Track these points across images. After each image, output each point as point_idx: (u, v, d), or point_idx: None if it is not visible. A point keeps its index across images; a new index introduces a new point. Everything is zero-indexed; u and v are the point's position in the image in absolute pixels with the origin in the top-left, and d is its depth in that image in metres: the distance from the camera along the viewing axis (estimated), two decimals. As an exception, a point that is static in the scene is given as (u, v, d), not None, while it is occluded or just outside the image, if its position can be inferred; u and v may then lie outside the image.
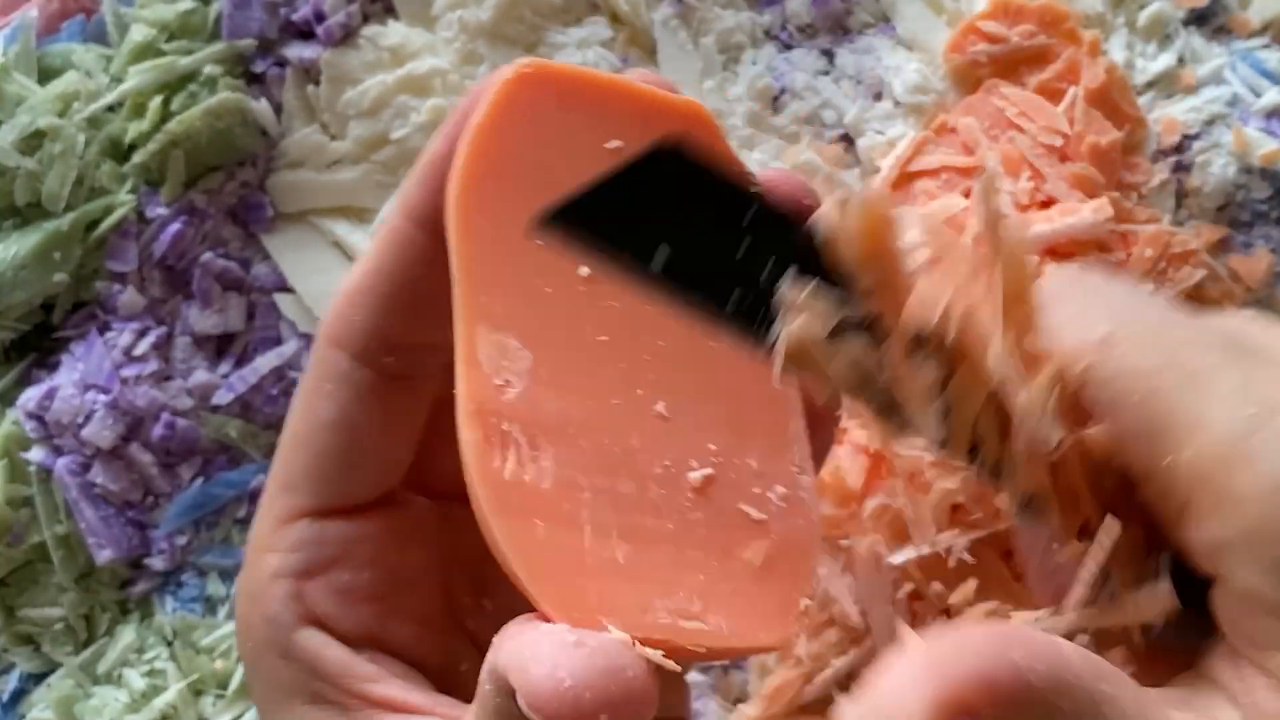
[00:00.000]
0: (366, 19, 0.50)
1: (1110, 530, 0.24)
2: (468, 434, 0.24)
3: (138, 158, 0.47)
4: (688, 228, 0.24)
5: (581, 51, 0.48)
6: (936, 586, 0.40)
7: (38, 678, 0.48)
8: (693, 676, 0.44)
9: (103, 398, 0.46)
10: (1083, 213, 0.42)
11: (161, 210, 0.48)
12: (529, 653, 0.22)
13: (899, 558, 0.39)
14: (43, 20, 0.50)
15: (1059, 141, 0.43)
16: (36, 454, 0.47)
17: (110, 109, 0.48)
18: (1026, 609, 0.40)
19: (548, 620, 0.23)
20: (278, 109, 0.50)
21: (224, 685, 0.46)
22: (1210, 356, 0.23)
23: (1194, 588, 0.24)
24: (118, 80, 0.48)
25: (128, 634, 0.47)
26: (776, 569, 0.27)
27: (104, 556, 0.47)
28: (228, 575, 0.48)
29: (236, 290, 0.49)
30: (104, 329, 0.47)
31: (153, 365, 0.47)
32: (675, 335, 0.27)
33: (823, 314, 0.24)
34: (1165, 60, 0.47)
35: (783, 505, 0.27)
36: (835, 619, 0.42)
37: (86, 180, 0.47)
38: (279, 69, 0.50)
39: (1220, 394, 0.22)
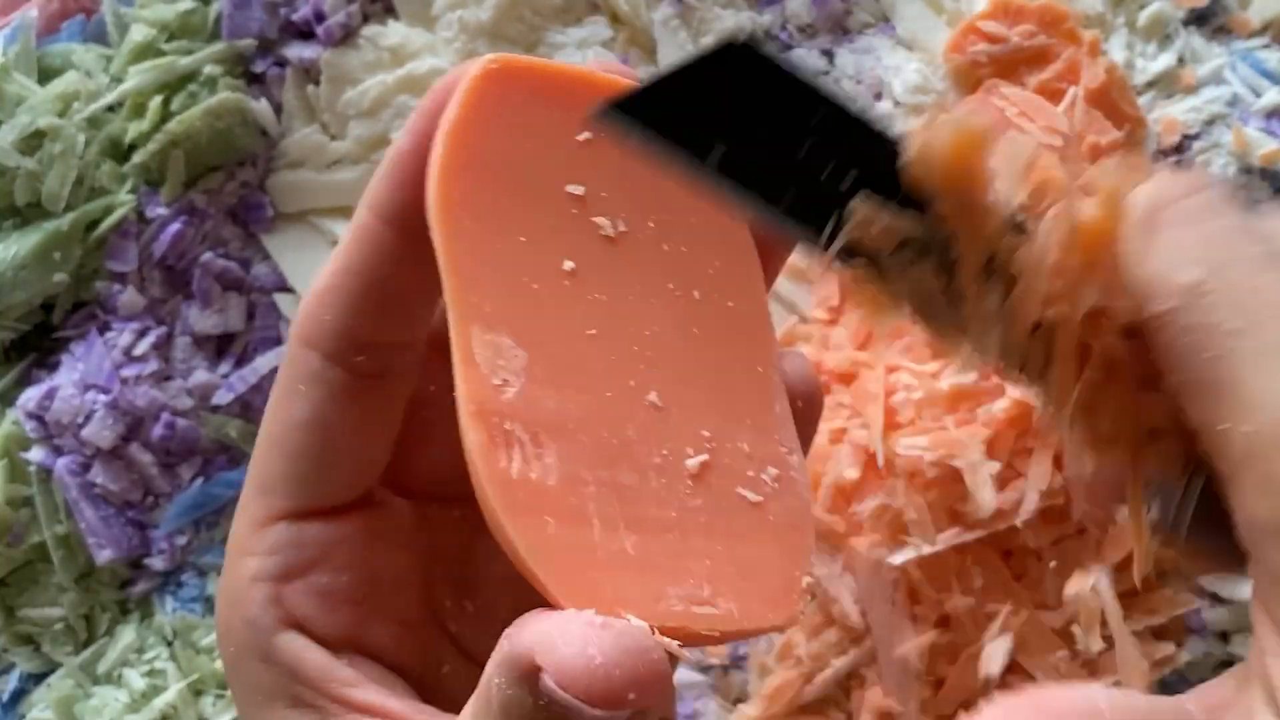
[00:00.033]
0: (366, 19, 0.50)
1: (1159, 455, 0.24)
2: (472, 435, 0.24)
3: (138, 158, 0.47)
4: (750, 123, 0.24)
5: (581, 51, 0.48)
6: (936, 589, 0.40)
7: (38, 678, 0.48)
8: (693, 677, 0.44)
9: (103, 398, 0.46)
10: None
11: (161, 210, 0.48)
12: (557, 634, 0.22)
13: (899, 558, 0.40)
14: (43, 20, 0.50)
15: (1059, 141, 0.43)
16: (36, 454, 0.47)
17: (110, 109, 0.48)
18: (1026, 609, 0.40)
19: None
20: (278, 109, 0.50)
21: (224, 685, 0.46)
22: None
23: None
24: (118, 80, 0.48)
25: (128, 634, 0.47)
26: (776, 549, 0.27)
27: (104, 556, 0.47)
28: (228, 575, 0.48)
29: (236, 290, 0.49)
30: (104, 329, 0.47)
31: (153, 365, 0.47)
32: (660, 324, 0.27)
33: (891, 230, 0.24)
34: (1165, 60, 0.47)
35: (776, 486, 0.28)
36: (835, 619, 0.42)
37: (86, 180, 0.47)
38: (279, 69, 0.50)
39: None
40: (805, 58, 0.49)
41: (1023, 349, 0.25)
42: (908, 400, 0.40)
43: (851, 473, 0.41)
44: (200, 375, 0.48)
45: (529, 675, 0.22)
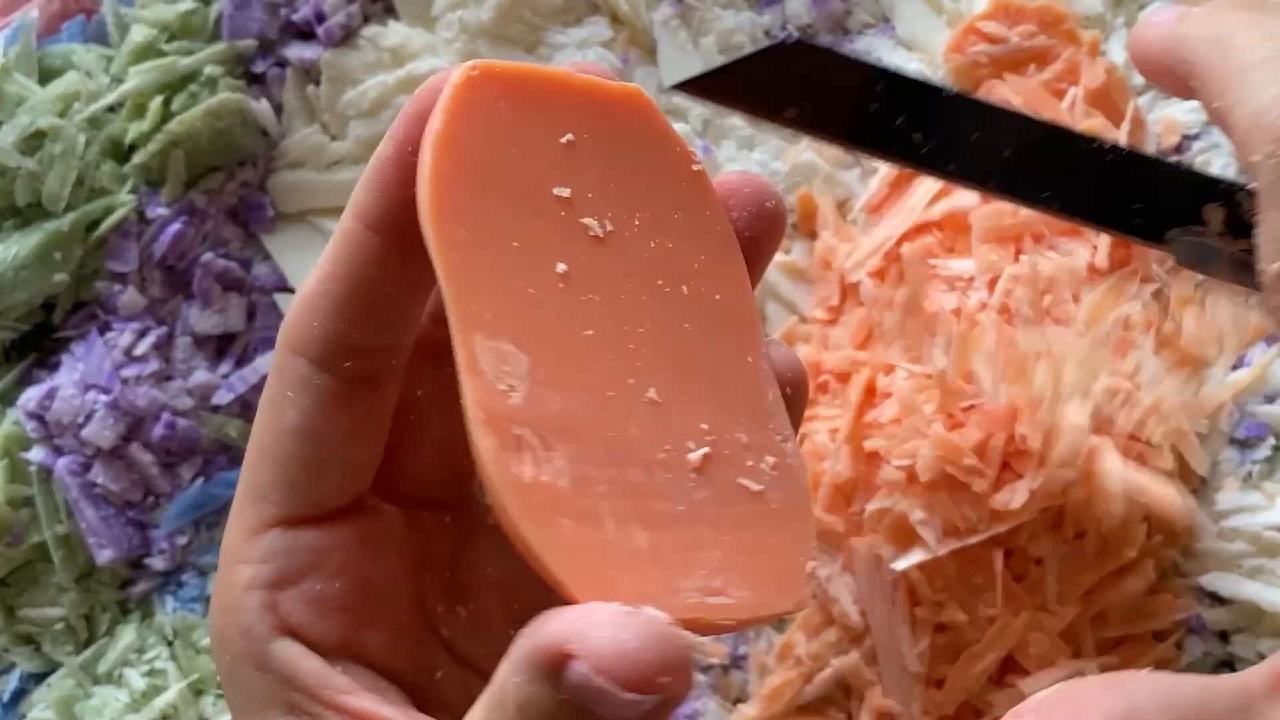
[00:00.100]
0: (367, 19, 0.50)
1: None
2: (485, 442, 0.24)
3: (138, 158, 0.47)
4: (819, 92, 0.26)
5: (582, 52, 0.48)
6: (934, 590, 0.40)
7: (38, 677, 0.48)
8: (693, 676, 0.44)
9: (103, 398, 0.46)
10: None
11: (162, 210, 0.48)
12: (588, 622, 0.22)
13: (901, 564, 0.39)
14: (43, 21, 0.50)
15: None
16: (37, 454, 0.47)
17: (111, 109, 0.48)
18: (1027, 610, 0.40)
19: None
20: (278, 109, 0.50)
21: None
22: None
23: None
24: (118, 80, 0.48)
25: (128, 634, 0.47)
26: (780, 536, 0.28)
27: (104, 556, 0.47)
28: (228, 575, 0.48)
29: (237, 290, 0.49)
30: (104, 329, 0.48)
31: (153, 365, 0.47)
32: (652, 321, 0.28)
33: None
34: (1165, 61, 0.47)
35: (775, 474, 0.28)
36: (835, 619, 0.42)
37: (87, 180, 0.47)
38: (279, 69, 0.50)
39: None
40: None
41: None
42: (900, 400, 0.40)
43: (848, 472, 0.41)
44: (201, 375, 0.48)
45: (554, 668, 0.22)
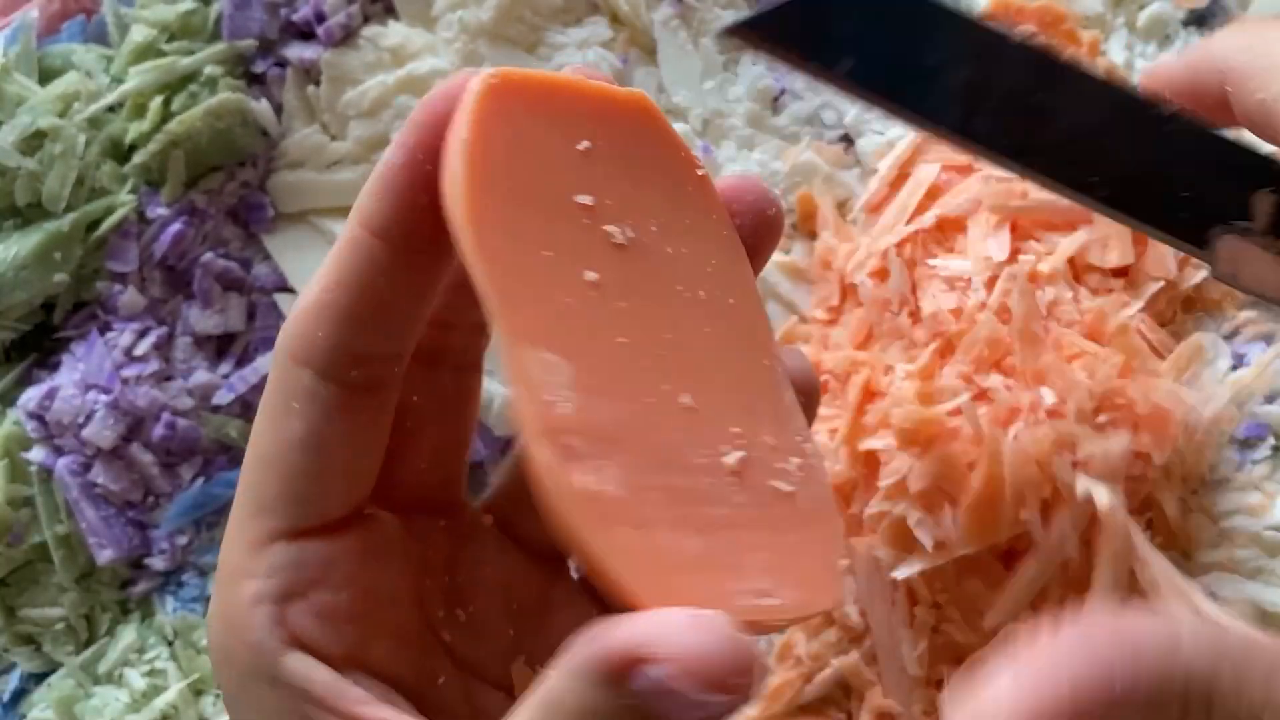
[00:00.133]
0: (367, 19, 0.50)
1: None
2: (541, 455, 0.24)
3: (138, 158, 0.47)
4: (875, 40, 0.24)
5: (582, 52, 0.48)
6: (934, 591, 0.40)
7: (38, 677, 0.48)
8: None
9: (103, 398, 0.46)
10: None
11: (162, 210, 0.48)
12: (661, 628, 0.22)
13: (902, 572, 0.39)
14: (43, 21, 0.50)
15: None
16: (37, 454, 0.47)
17: (111, 109, 0.48)
18: (1026, 613, 0.40)
19: None
20: (278, 109, 0.50)
21: (224, 685, 0.46)
22: None
23: None
24: (118, 80, 0.48)
25: (128, 634, 0.47)
26: (813, 535, 0.28)
27: (105, 556, 0.47)
28: (228, 575, 0.48)
29: (237, 290, 0.49)
30: (105, 329, 0.48)
31: (153, 365, 0.47)
32: (677, 326, 0.28)
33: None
34: (1164, 61, 0.47)
35: (801, 474, 0.28)
36: (835, 619, 0.42)
37: (87, 180, 0.47)
38: (279, 69, 0.50)
39: None
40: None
41: None
42: (898, 400, 0.40)
43: (847, 472, 0.41)
44: (201, 375, 0.48)
45: (619, 674, 0.22)
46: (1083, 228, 0.42)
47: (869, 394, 0.41)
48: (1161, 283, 0.42)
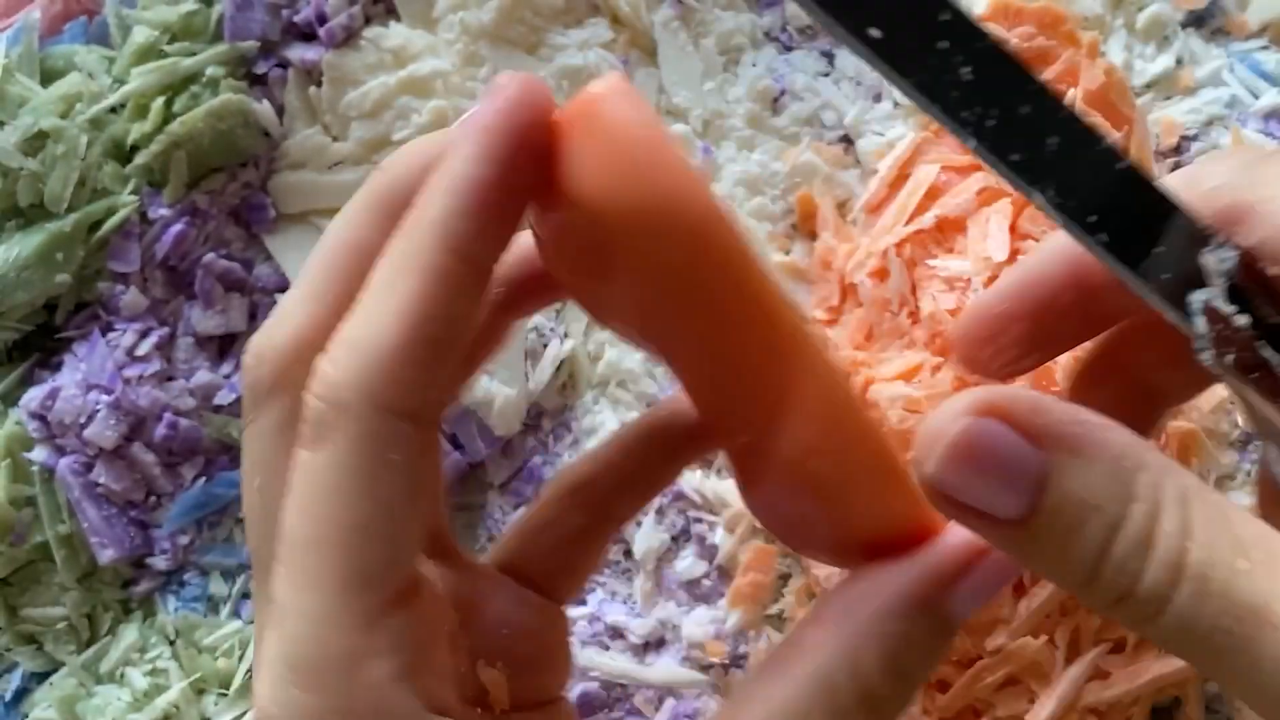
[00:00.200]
0: (368, 21, 0.50)
1: None
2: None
3: (140, 159, 0.48)
4: (890, 16, 0.23)
5: (583, 53, 0.48)
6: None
7: (40, 677, 0.48)
8: (693, 675, 0.44)
9: (105, 398, 0.46)
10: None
11: (164, 211, 0.48)
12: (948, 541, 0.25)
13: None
14: (45, 22, 0.50)
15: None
16: (39, 454, 0.47)
17: (113, 110, 0.48)
18: (1026, 623, 0.40)
19: None
20: (280, 110, 0.50)
21: (226, 684, 0.46)
22: None
23: None
24: (120, 81, 0.48)
25: (130, 633, 0.47)
26: None
27: (106, 556, 0.47)
28: (230, 574, 0.48)
29: (239, 291, 0.49)
30: (106, 329, 0.48)
31: (155, 365, 0.47)
32: None
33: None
34: (1164, 62, 0.47)
35: None
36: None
37: (89, 181, 0.47)
38: (281, 70, 0.50)
39: None
40: (805, 59, 0.49)
41: None
42: (896, 401, 0.40)
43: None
44: (203, 375, 0.48)
45: (935, 599, 0.25)
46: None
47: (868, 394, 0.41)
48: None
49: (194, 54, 0.48)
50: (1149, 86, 0.47)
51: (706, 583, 0.45)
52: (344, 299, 0.25)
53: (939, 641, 0.25)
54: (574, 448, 0.47)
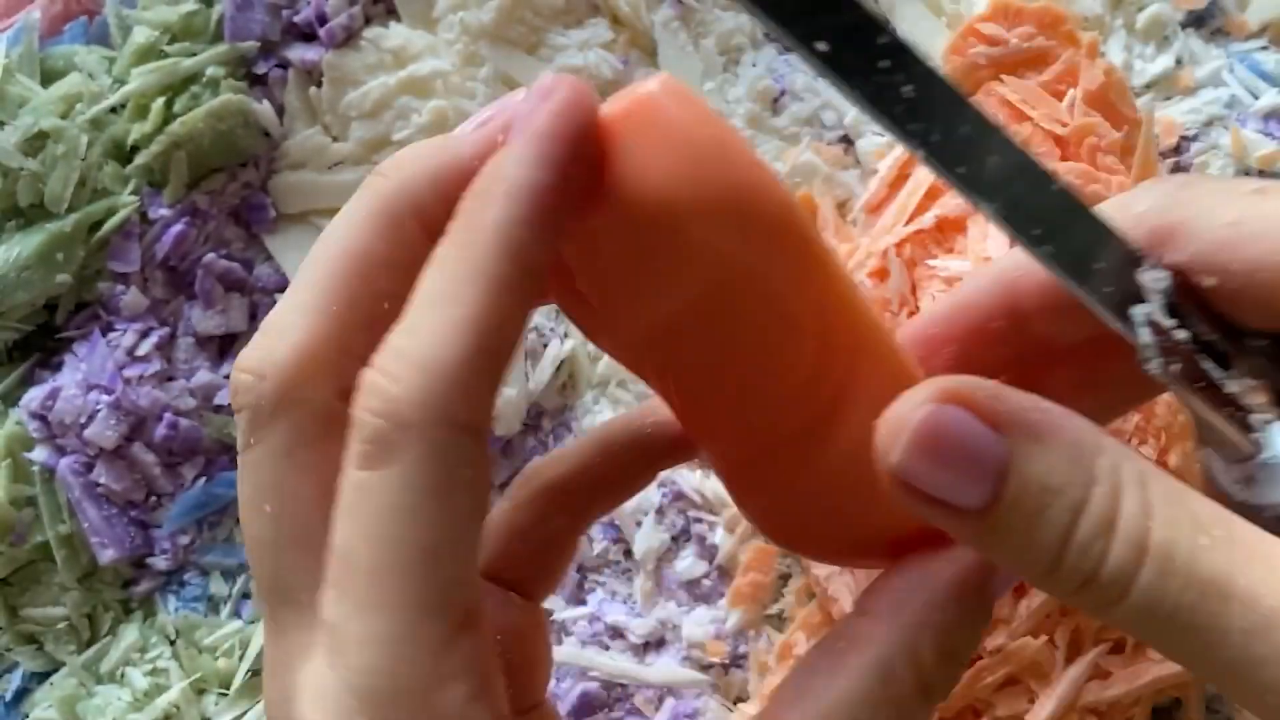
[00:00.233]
0: (368, 21, 0.50)
1: None
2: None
3: (140, 159, 0.48)
4: (835, 33, 0.23)
5: (583, 53, 0.49)
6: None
7: (41, 677, 0.48)
8: (693, 675, 0.44)
9: (105, 398, 0.46)
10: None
11: (164, 211, 0.48)
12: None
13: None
14: (45, 22, 0.50)
15: (1061, 130, 0.43)
16: (39, 454, 0.47)
17: (113, 110, 0.48)
18: (1025, 625, 0.40)
19: None
20: (280, 110, 0.50)
21: (226, 684, 0.46)
22: None
23: None
24: (120, 82, 0.48)
25: (130, 633, 0.47)
26: None
27: (107, 556, 0.47)
28: (230, 574, 0.48)
29: (239, 291, 0.49)
30: (107, 329, 0.48)
31: (155, 365, 0.47)
32: None
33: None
34: (1163, 62, 0.47)
35: None
36: (835, 619, 0.42)
37: (89, 181, 0.47)
38: (281, 70, 0.50)
39: None
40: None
41: None
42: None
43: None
44: (203, 375, 0.48)
45: (977, 588, 0.26)
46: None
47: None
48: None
49: (194, 54, 0.48)
50: (1149, 87, 0.47)
51: (706, 583, 0.45)
52: (350, 310, 0.24)
53: (984, 623, 0.27)
54: (574, 448, 0.47)
